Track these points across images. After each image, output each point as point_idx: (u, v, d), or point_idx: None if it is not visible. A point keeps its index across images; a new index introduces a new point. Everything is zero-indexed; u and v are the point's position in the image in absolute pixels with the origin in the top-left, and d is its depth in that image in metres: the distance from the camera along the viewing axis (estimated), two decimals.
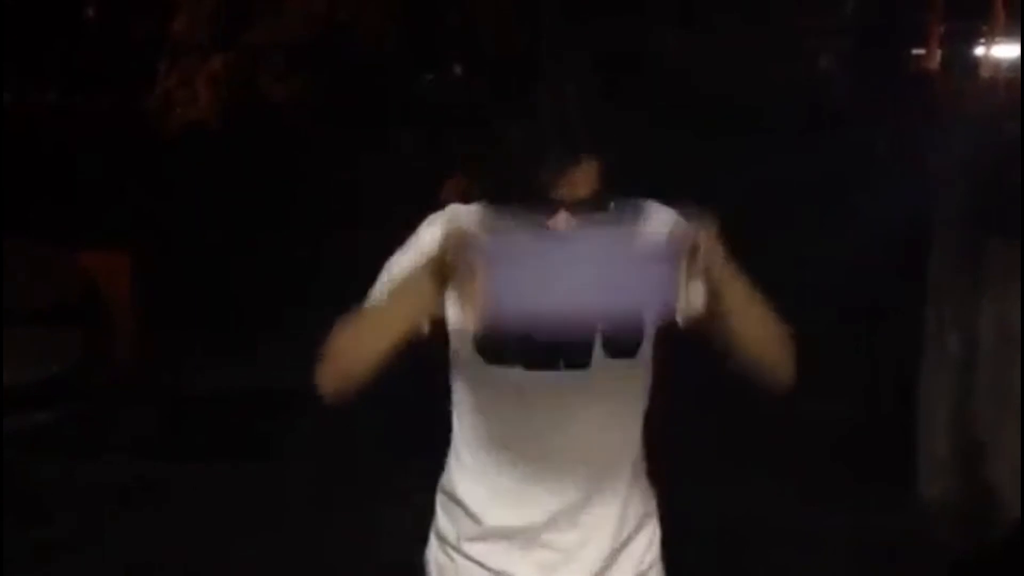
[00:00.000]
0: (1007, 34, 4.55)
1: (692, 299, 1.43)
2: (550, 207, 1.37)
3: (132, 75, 4.72)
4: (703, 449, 3.45)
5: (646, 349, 1.53)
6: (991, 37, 4.63)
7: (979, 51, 4.81)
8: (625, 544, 1.57)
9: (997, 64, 4.67)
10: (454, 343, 1.54)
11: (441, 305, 1.43)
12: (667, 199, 1.52)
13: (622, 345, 1.51)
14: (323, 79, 4.26)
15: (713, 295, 1.41)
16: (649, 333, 1.52)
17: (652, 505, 1.63)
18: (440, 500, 1.62)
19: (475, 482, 1.55)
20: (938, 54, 5.35)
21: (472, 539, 1.56)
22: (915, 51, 5.31)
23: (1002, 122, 3.46)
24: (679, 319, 1.45)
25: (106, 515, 3.43)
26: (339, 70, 3.65)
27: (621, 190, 1.42)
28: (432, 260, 1.38)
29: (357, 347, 1.43)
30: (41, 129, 4.67)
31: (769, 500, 3.44)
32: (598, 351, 1.49)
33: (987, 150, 3.36)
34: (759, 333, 1.43)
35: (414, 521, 1.72)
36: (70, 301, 4.42)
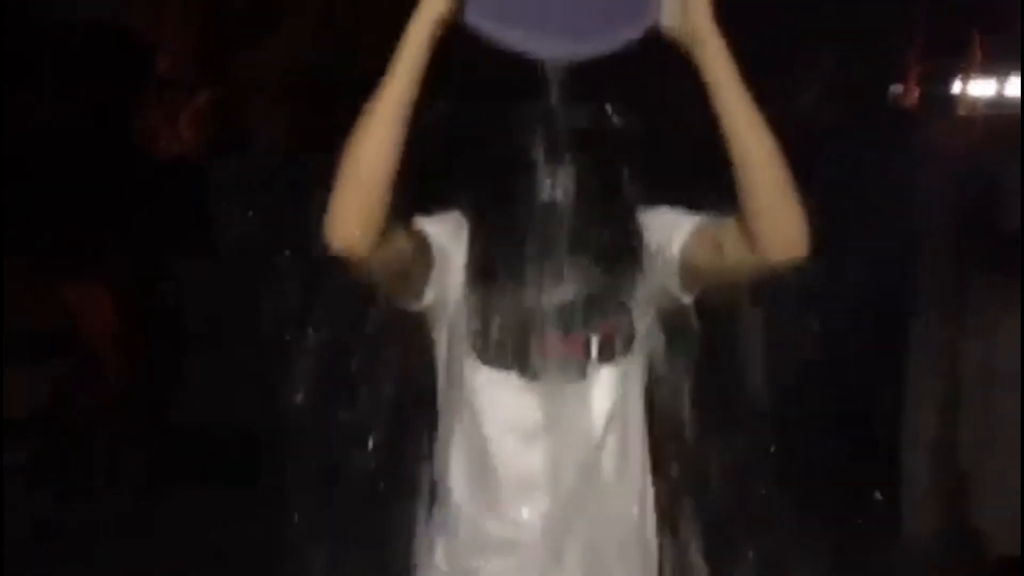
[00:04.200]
0: (985, 72, 4.60)
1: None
2: None
3: (117, 107, 4.73)
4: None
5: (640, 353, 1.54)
6: (969, 76, 4.68)
7: (957, 89, 4.87)
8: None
9: (975, 102, 4.72)
10: (446, 360, 1.55)
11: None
12: None
13: (614, 348, 1.52)
14: (313, 112, 4.27)
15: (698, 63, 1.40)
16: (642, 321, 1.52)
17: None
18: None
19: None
20: (916, 92, 5.40)
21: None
22: (893, 89, 5.35)
23: (982, 159, 3.50)
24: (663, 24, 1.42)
25: (93, 551, 3.41)
26: (329, 103, 3.67)
27: None
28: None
29: (374, 138, 1.38)
30: (22, 158, 4.66)
31: (753, 538, 3.43)
32: (593, 358, 1.51)
33: (968, 187, 3.40)
34: (749, 142, 1.40)
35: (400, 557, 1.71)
36: (50, 334, 4.42)
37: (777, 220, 1.40)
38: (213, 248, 4.50)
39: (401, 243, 1.44)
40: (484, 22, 1.40)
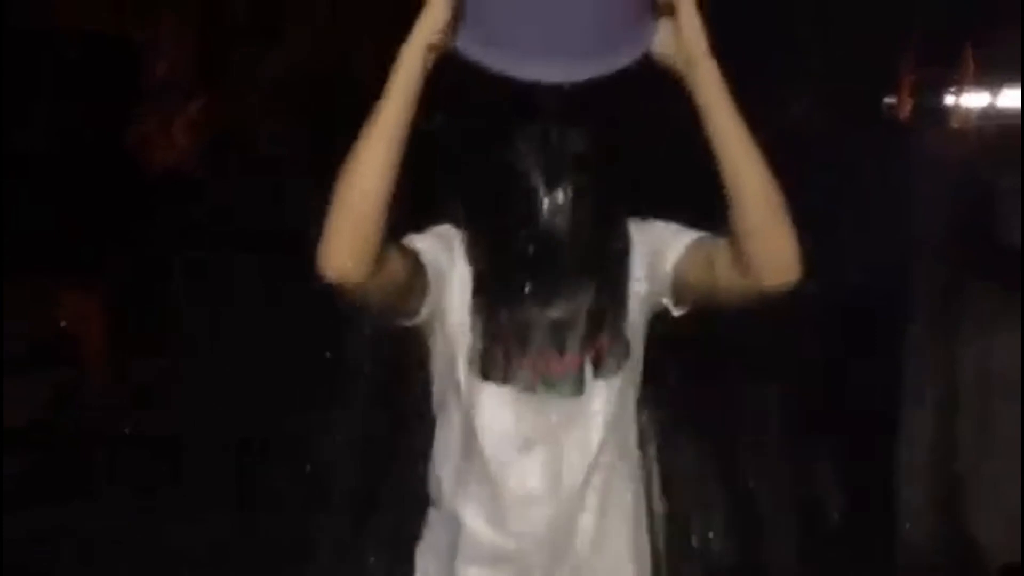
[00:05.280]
0: (977, 83, 4.62)
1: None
2: None
3: (110, 118, 4.73)
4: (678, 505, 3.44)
5: (634, 364, 1.55)
6: (961, 86, 4.70)
7: (950, 100, 4.89)
8: None
9: (968, 112, 4.75)
10: (444, 370, 1.56)
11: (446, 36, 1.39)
12: None
13: (607, 364, 1.52)
14: (310, 121, 4.28)
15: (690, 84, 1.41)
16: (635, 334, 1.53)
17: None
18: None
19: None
20: (909, 103, 5.43)
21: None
22: (887, 100, 5.39)
23: (976, 171, 3.52)
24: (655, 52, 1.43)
25: (85, 563, 3.40)
26: (327, 112, 3.67)
27: None
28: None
29: (369, 164, 1.38)
30: (15, 171, 4.66)
31: (745, 554, 3.43)
32: (588, 375, 1.52)
33: (961, 196, 3.42)
34: (741, 163, 1.40)
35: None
36: (44, 344, 4.42)
37: (768, 243, 1.41)
38: (209, 254, 4.50)
39: (395, 266, 1.44)
40: (477, 47, 1.40)
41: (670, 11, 1.39)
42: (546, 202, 1.49)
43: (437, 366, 1.60)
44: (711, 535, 3.44)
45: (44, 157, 4.70)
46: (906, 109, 4.82)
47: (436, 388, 1.62)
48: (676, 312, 1.55)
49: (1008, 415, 3.13)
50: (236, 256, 4.43)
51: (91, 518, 3.75)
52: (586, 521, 1.57)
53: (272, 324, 4.61)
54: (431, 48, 1.36)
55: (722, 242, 1.47)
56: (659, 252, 1.54)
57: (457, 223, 1.57)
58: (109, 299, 4.67)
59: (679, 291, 1.53)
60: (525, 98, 1.46)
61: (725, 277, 1.47)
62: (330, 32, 4.84)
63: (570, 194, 1.49)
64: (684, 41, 1.38)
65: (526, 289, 1.51)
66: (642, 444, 1.63)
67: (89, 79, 4.78)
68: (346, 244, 1.37)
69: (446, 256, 1.53)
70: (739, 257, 1.43)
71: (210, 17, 5.10)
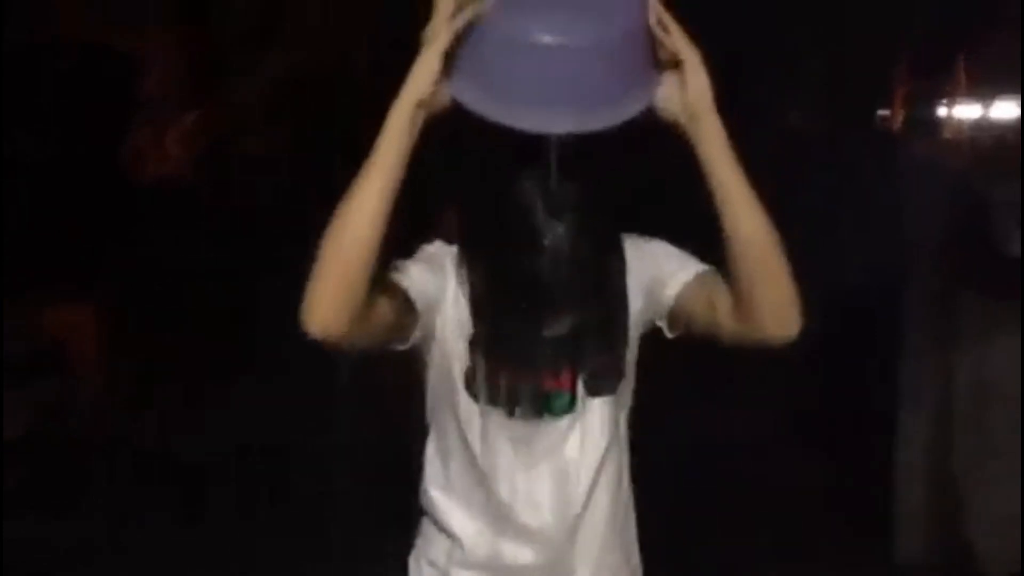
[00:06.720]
0: (970, 94, 4.66)
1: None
2: None
3: (102, 130, 4.73)
4: (679, 510, 3.44)
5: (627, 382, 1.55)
6: (954, 98, 4.74)
7: (943, 111, 4.93)
8: None
9: (961, 123, 4.78)
10: (438, 383, 1.55)
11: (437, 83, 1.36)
12: None
13: (603, 383, 1.52)
14: (302, 134, 4.28)
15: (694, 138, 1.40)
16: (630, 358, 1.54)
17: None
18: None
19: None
20: (902, 114, 5.47)
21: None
22: (881, 111, 5.42)
23: (968, 179, 3.54)
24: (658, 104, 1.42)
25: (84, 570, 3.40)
26: (320, 125, 3.68)
27: None
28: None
29: (357, 217, 1.35)
30: (6, 183, 4.66)
31: (744, 561, 3.42)
32: (580, 393, 1.52)
33: (955, 207, 3.43)
34: (742, 217, 1.39)
35: None
36: (38, 357, 4.41)
37: (768, 293, 1.40)
38: (203, 267, 4.49)
39: (383, 309, 1.41)
40: (478, 96, 1.37)
41: (674, 64, 1.38)
42: (544, 227, 1.49)
43: (432, 378, 1.60)
44: (708, 539, 3.45)
45: (39, 166, 4.69)
46: (899, 120, 4.84)
47: (430, 399, 1.62)
48: (670, 334, 1.55)
49: (1008, 428, 3.14)
50: (232, 264, 4.43)
51: (87, 525, 3.74)
52: (585, 536, 1.57)
53: (269, 331, 4.59)
54: (421, 104, 1.35)
55: (725, 286, 1.47)
56: (660, 280, 1.53)
57: (448, 239, 1.56)
58: (104, 308, 4.66)
59: (676, 319, 1.53)
60: (526, 141, 1.44)
61: (726, 322, 1.46)
62: (324, 43, 4.85)
63: (568, 219, 1.48)
64: (689, 95, 1.37)
65: (522, 311, 1.51)
66: (635, 453, 1.63)
67: (85, 90, 4.77)
68: (330, 297, 1.34)
69: (437, 281, 1.52)
70: (738, 305, 1.43)
71: (204, 30, 5.12)
